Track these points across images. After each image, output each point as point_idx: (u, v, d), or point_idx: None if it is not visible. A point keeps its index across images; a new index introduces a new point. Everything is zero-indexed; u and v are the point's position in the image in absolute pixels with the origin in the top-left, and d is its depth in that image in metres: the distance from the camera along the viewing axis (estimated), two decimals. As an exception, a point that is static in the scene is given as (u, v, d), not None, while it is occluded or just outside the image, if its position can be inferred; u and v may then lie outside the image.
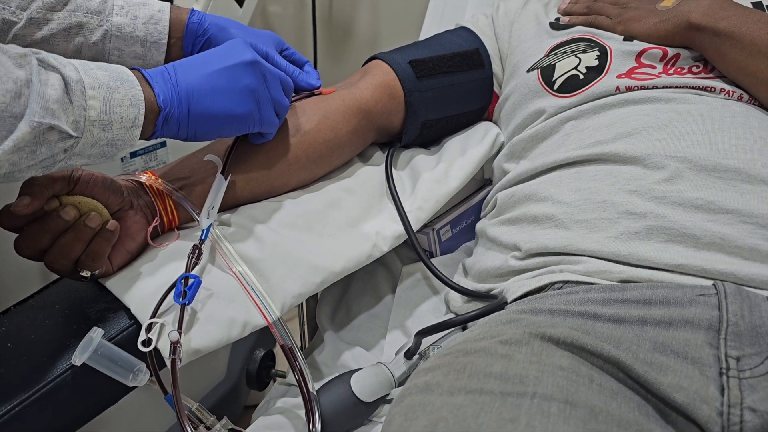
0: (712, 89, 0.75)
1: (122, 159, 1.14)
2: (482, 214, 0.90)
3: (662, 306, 0.56)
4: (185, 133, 0.65)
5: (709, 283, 0.58)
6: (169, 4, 0.76)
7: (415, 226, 0.81)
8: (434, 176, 0.85)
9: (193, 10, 0.77)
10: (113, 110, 0.57)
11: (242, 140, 0.76)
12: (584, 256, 0.66)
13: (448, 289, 0.81)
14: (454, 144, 0.92)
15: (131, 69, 0.61)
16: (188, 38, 0.76)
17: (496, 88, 0.96)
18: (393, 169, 0.87)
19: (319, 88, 0.83)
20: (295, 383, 0.68)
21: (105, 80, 0.57)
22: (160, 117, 0.62)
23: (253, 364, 1.03)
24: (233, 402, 1.30)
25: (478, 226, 0.86)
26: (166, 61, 0.76)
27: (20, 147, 0.52)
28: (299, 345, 1.06)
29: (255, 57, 0.68)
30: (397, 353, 0.73)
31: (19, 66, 0.52)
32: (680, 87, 0.76)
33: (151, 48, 0.74)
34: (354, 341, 0.85)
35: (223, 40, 0.77)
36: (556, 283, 0.65)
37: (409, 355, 0.72)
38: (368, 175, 0.85)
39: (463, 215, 0.97)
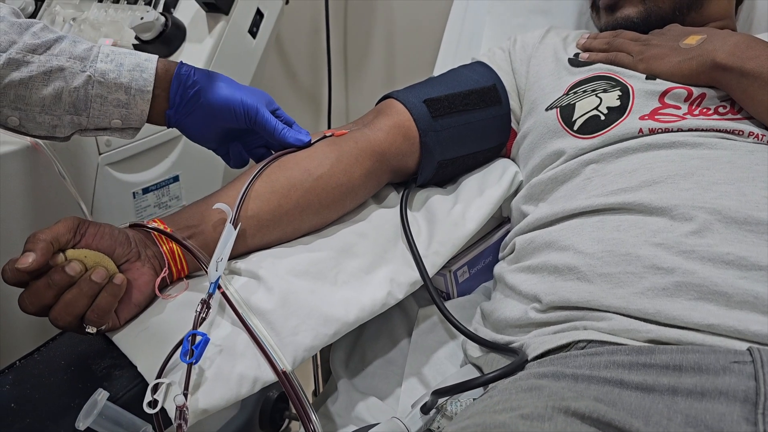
0: (740, 132, 0.72)
1: (134, 195, 1.13)
2: (500, 255, 0.87)
3: (693, 373, 0.53)
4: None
5: (744, 347, 0.55)
6: (156, 56, 0.75)
7: (431, 272, 0.78)
8: (451, 218, 0.83)
9: (181, 62, 0.76)
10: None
11: (252, 186, 0.74)
12: (609, 312, 0.63)
13: (465, 336, 0.78)
14: (471, 183, 0.90)
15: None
16: (176, 88, 0.75)
17: (513, 125, 0.94)
18: (408, 210, 0.84)
19: (308, 142, 0.81)
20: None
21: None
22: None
23: (267, 406, 1.01)
24: (247, 437, 1.28)
25: (496, 269, 0.83)
26: (151, 112, 0.75)
27: None
28: (313, 390, 1.04)
29: None
30: (413, 407, 0.71)
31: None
32: (706, 130, 0.73)
33: (136, 95, 0.73)
34: (369, 390, 0.82)
35: (214, 92, 0.76)
36: (579, 341, 0.62)
37: (425, 410, 0.69)
38: (382, 218, 0.82)
39: (481, 255, 0.94)
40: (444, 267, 0.89)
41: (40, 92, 0.69)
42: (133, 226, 0.70)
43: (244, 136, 0.85)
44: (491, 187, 0.87)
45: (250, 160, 0.87)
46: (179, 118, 0.77)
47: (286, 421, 1.08)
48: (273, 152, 0.82)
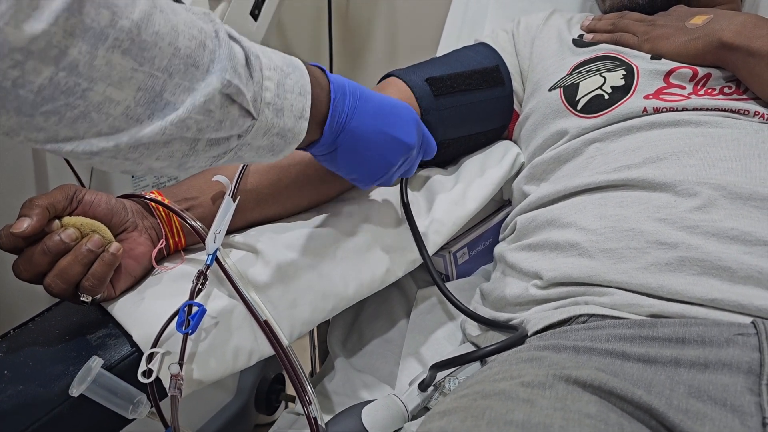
0: (746, 112, 0.72)
1: (132, 175, 1.12)
2: (500, 237, 0.86)
3: (697, 346, 0.52)
4: (341, 147, 0.62)
5: (748, 320, 0.54)
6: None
7: (431, 250, 0.77)
8: (451, 198, 0.82)
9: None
10: (285, 95, 0.53)
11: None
12: (611, 287, 0.62)
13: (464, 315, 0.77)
14: (472, 164, 0.89)
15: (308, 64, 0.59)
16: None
17: (516, 107, 0.93)
18: (408, 189, 0.84)
19: None
20: (304, 413, 0.64)
21: (279, 63, 0.54)
22: (329, 113, 0.59)
23: (262, 388, 1.00)
24: (242, 422, 1.27)
25: (497, 250, 0.83)
26: None
27: (208, 108, 0.47)
28: (309, 370, 1.03)
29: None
30: (410, 384, 0.70)
31: (203, 21, 0.48)
32: (711, 109, 0.72)
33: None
34: (366, 368, 0.81)
35: None
36: (580, 316, 0.61)
37: (423, 387, 0.68)
38: (383, 196, 0.82)
39: (481, 237, 0.94)
40: (443, 248, 0.88)
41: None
42: (130, 196, 0.69)
43: None
44: (492, 168, 0.87)
45: None
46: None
47: (282, 402, 1.08)
48: None
